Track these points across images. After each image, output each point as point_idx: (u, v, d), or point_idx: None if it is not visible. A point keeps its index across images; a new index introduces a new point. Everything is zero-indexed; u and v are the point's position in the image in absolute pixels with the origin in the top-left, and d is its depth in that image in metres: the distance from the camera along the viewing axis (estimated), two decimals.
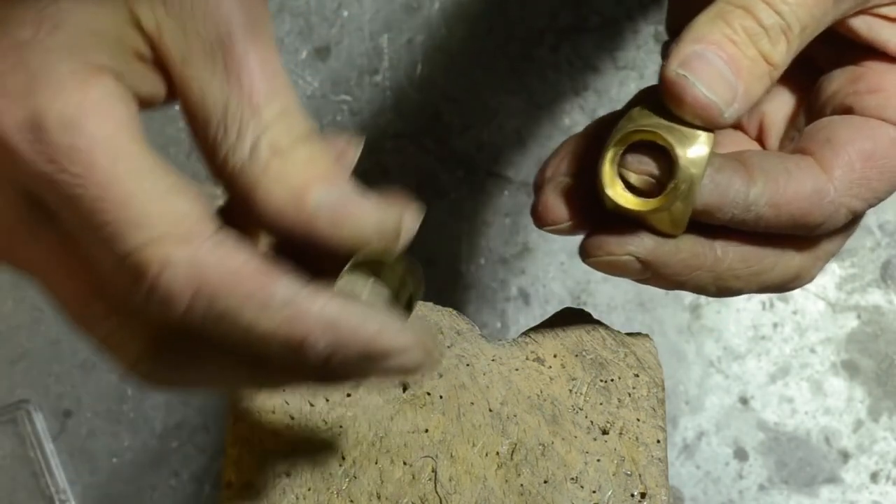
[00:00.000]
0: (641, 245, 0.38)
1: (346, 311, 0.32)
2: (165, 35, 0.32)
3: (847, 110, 0.38)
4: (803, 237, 0.38)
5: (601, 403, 0.41)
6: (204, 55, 0.32)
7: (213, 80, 0.32)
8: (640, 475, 0.40)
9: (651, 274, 0.38)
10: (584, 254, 0.38)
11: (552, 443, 0.40)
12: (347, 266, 0.34)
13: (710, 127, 0.36)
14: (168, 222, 0.31)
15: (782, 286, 0.40)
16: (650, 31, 0.66)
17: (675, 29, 0.40)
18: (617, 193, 0.37)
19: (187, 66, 0.32)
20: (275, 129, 0.32)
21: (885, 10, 0.37)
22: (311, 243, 0.33)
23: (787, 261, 0.39)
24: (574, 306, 0.44)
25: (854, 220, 0.39)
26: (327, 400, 0.41)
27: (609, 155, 0.36)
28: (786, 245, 0.38)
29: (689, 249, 0.38)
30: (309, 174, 0.32)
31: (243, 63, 0.32)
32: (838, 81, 0.38)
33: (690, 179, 0.36)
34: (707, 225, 0.37)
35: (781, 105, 0.41)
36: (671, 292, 0.64)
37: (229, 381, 0.34)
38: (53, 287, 0.33)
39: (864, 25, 0.37)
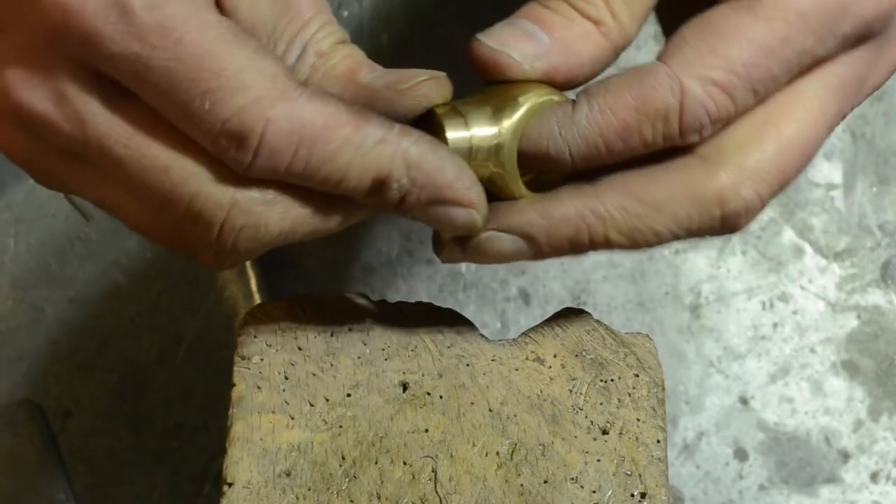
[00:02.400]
0: (506, 216, 0.37)
1: (430, 153, 0.35)
2: None
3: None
4: (682, 148, 0.37)
5: (601, 403, 0.41)
6: None
7: (262, 1, 0.35)
8: (640, 475, 0.40)
9: (536, 247, 0.37)
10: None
11: (552, 443, 0.40)
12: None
13: (518, 77, 0.37)
14: (263, 83, 0.33)
15: (709, 220, 0.38)
16: (650, 32, 0.66)
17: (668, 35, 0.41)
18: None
19: None
20: (318, 38, 0.36)
21: None
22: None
23: (689, 184, 0.37)
24: (574, 306, 0.44)
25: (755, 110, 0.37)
26: (327, 400, 0.41)
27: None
28: (672, 162, 0.37)
29: (564, 203, 0.37)
30: (352, 63, 0.36)
31: None
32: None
33: (481, 142, 0.37)
34: (583, 173, 0.37)
35: None
36: (671, 292, 0.64)
37: (306, 228, 0.36)
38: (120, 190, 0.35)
39: None
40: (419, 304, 0.43)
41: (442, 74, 0.38)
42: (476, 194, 0.36)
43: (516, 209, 0.38)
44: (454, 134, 0.37)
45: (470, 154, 0.37)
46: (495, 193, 0.38)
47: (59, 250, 0.67)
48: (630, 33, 0.38)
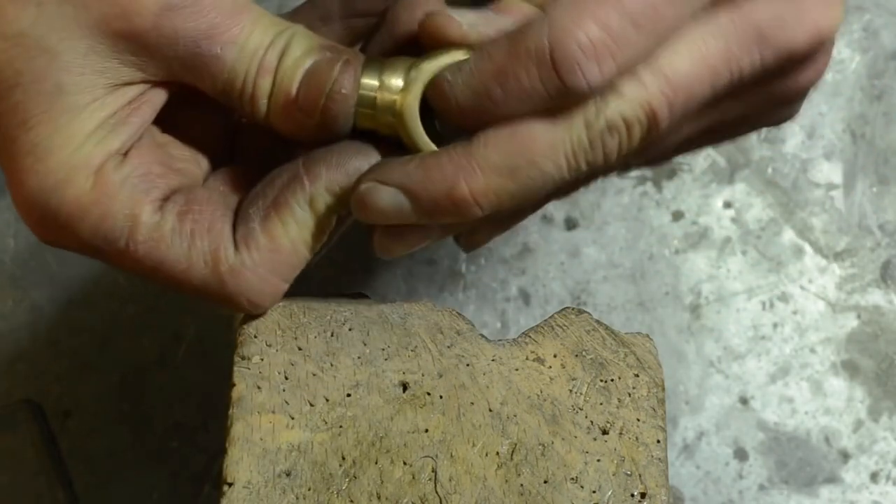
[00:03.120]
0: (388, 169, 0.38)
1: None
2: None
3: None
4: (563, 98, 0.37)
5: (601, 403, 0.41)
6: None
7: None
8: (640, 475, 0.40)
9: (416, 203, 0.38)
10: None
11: (552, 443, 0.40)
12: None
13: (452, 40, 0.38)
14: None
15: (592, 156, 0.38)
16: None
17: None
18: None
19: None
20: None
21: None
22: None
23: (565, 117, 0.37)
24: (574, 306, 0.44)
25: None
26: (327, 400, 0.41)
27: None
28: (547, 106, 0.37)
29: (442, 154, 0.37)
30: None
31: None
32: None
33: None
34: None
35: None
36: (671, 292, 0.64)
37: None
38: None
39: None
40: (419, 303, 0.43)
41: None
42: None
43: (399, 162, 0.38)
44: (365, 80, 0.38)
45: (374, 104, 0.38)
46: (406, 150, 0.39)
47: (59, 250, 0.67)
48: None
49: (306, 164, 0.39)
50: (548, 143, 0.37)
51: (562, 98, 0.36)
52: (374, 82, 0.39)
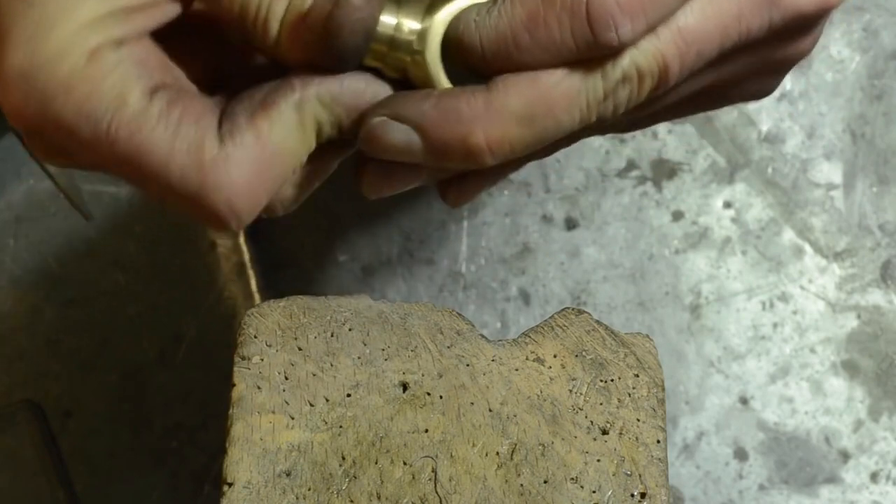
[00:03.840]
0: (402, 104, 0.37)
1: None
2: None
3: None
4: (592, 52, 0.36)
5: (601, 403, 0.41)
6: None
7: None
8: (640, 475, 0.40)
9: (427, 141, 0.37)
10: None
11: (552, 443, 0.40)
12: None
13: None
14: None
15: (602, 116, 0.38)
16: None
17: None
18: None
19: None
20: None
21: None
22: None
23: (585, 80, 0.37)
24: (574, 306, 0.44)
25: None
26: (327, 400, 0.41)
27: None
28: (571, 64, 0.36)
29: (459, 94, 0.37)
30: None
31: None
32: None
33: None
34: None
35: None
36: (671, 292, 0.64)
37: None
38: None
39: None
40: (419, 304, 0.43)
41: None
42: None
43: (414, 98, 0.37)
44: (384, 18, 0.37)
45: (392, 41, 0.37)
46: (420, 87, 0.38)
47: (59, 250, 0.67)
48: None
49: (299, 72, 0.38)
50: (566, 93, 0.36)
51: (588, 51, 0.36)
52: (392, 20, 0.37)
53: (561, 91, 0.36)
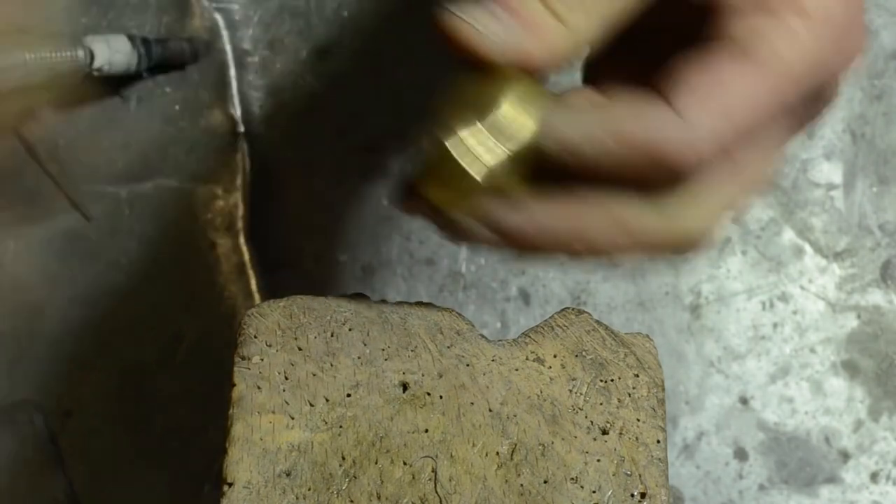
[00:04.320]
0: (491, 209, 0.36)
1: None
2: None
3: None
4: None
5: (601, 403, 0.41)
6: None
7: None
8: (640, 475, 0.40)
9: (498, 236, 0.37)
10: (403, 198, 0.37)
11: (552, 443, 0.40)
12: None
13: (481, 57, 0.35)
14: None
15: (671, 246, 0.38)
16: None
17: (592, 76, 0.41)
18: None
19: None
20: None
21: None
22: None
23: (668, 213, 0.37)
24: (574, 306, 0.44)
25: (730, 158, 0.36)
26: (327, 400, 0.41)
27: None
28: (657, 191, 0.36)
29: (548, 207, 0.36)
30: None
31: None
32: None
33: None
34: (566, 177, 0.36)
35: None
36: (671, 292, 0.64)
37: None
38: None
39: None
40: (419, 304, 0.43)
41: None
42: None
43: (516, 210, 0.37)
44: (474, 171, 0.36)
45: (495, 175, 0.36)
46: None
47: (59, 250, 0.67)
48: (591, 37, 0.37)
49: None
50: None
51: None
52: (484, 168, 0.36)
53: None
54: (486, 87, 0.36)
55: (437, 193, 0.36)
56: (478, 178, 0.35)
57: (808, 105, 0.38)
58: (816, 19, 0.36)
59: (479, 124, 0.36)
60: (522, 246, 0.37)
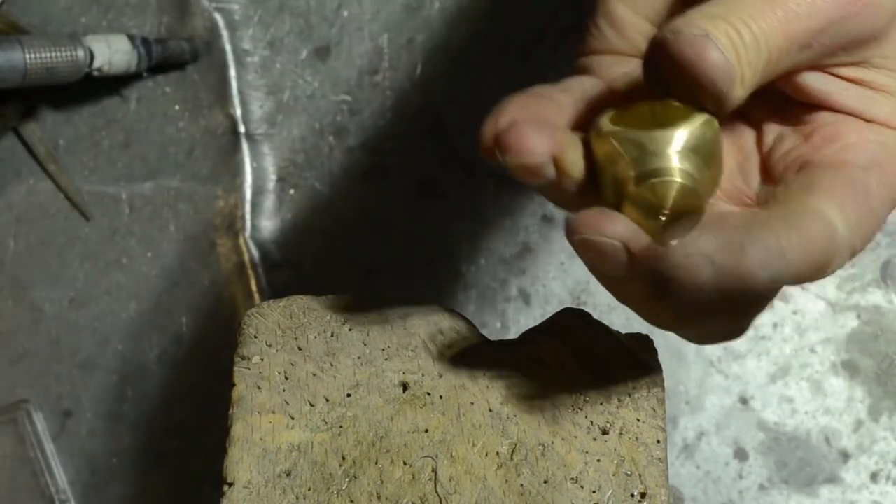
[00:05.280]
0: (635, 234, 0.34)
1: None
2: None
3: (804, 165, 0.36)
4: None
5: (601, 403, 0.41)
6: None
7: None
8: (640, 475, 0.40)
9: (629, 274, 0.34)
10: (571, 230, 0.34)
11: (552, 443, 0.40)
12: None
13: (717, 104, 0.34)
14: None
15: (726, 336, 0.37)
16: None
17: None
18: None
19: None
20: None
21: (843, 71, 0.36)
22: None
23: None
24: (574, 306, 0.44)
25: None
26: (327, 400, 0.41)
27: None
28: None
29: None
30: None
31: None
32: (791, 139, 0.37)
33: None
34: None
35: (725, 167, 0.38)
36: None
37: None
38: None
39: (817, 82, 0.36)
40: (419, 304, 0.44)
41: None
42: None
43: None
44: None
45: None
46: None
47: (59, 250, 0.67)
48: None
49: None
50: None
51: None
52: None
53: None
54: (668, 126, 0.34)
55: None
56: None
57: None
58: None
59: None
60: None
